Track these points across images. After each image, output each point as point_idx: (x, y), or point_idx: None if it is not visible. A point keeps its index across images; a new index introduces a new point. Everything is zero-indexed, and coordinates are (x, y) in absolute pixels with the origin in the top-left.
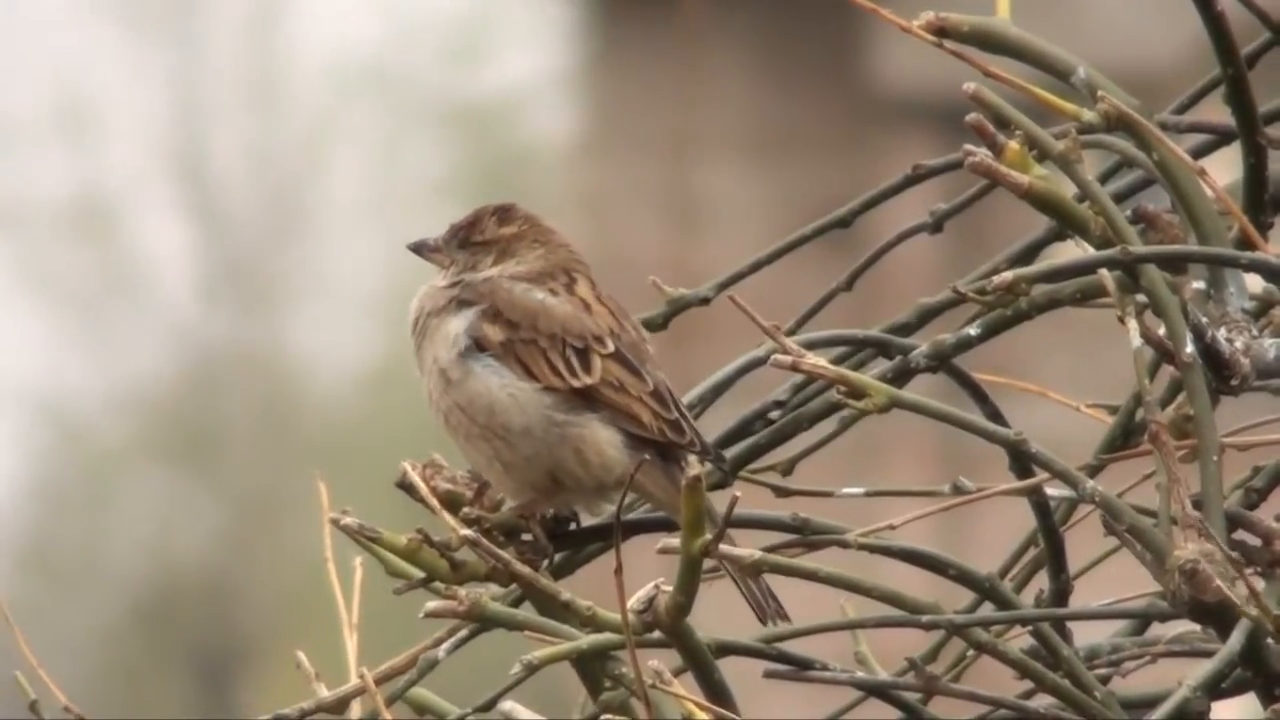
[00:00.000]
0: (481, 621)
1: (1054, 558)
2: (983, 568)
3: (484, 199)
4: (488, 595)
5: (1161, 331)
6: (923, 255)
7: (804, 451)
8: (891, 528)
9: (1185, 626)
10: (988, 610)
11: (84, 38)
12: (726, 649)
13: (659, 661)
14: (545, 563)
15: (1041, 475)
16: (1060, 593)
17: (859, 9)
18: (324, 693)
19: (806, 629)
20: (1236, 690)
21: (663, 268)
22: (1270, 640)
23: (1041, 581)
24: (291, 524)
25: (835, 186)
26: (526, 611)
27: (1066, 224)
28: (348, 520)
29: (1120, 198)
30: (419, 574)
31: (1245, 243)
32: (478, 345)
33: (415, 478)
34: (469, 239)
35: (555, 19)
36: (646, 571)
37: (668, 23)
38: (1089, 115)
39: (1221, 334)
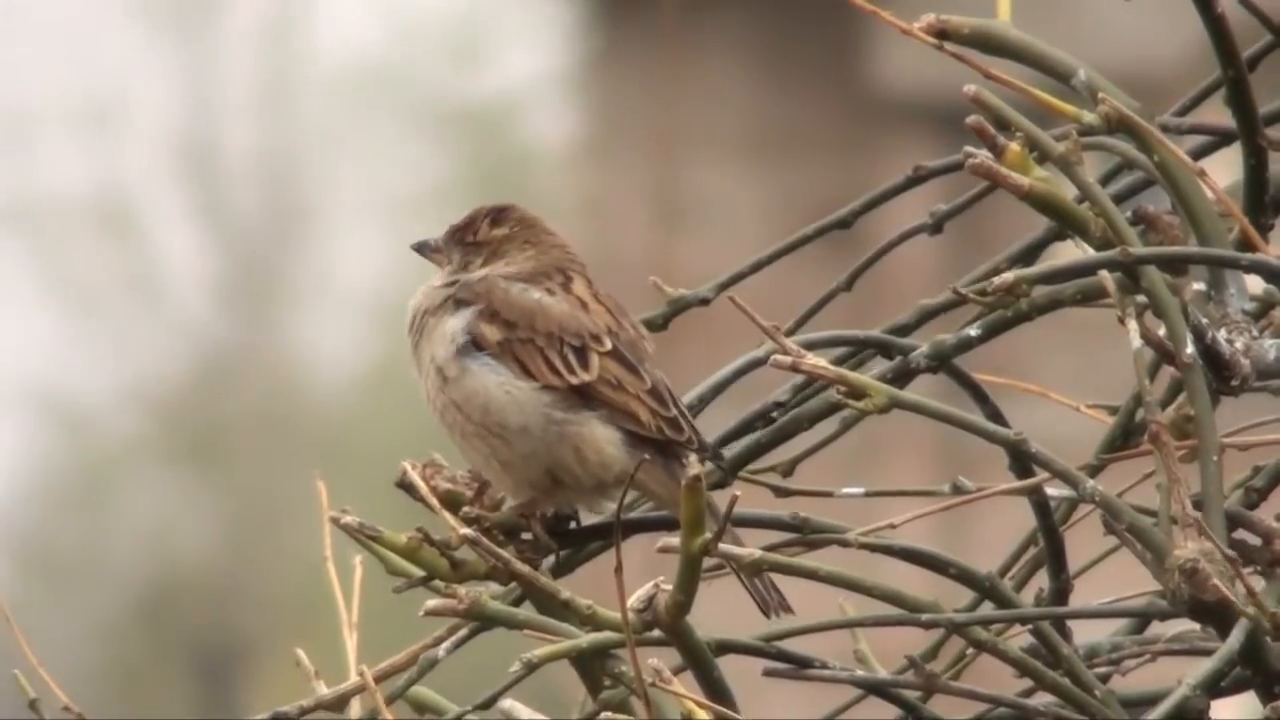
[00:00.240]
0: (481, 620)
1: (1054, 557)
2: (983, 567)
3: (486, 200)
4: (487, 594)
5: (1162, 332)
6: (923, 256)
7: (805, 452)
8: (892, 527)
9: (1185, 625)
10: (988, 609)
11: (99, 36)
12: (726, 647)
13: (659, 660)
14: (550, 559)
15: (1041, 475)
16: (1060, 592)
17: (859, 10)
18: (324, 691)
19: (806, 627)
20: (1236, 689)
21: (662, 268)
22: (1269, 639)
23: (1041, 580)
24: (292, 523)
25: (835, 187)
26: (526, 610)
27: (1067, 225)
28: (347, 519)
29: (1120, 199)
30: (419, 573)
31: (1245, 244)
32: (475, 344)
33: (415, 477)
34: (464, 239)
35: (554, 20)
36: (646, 570)
37: (667, 24)
38: (1089, 117)
39: (1222, 335)
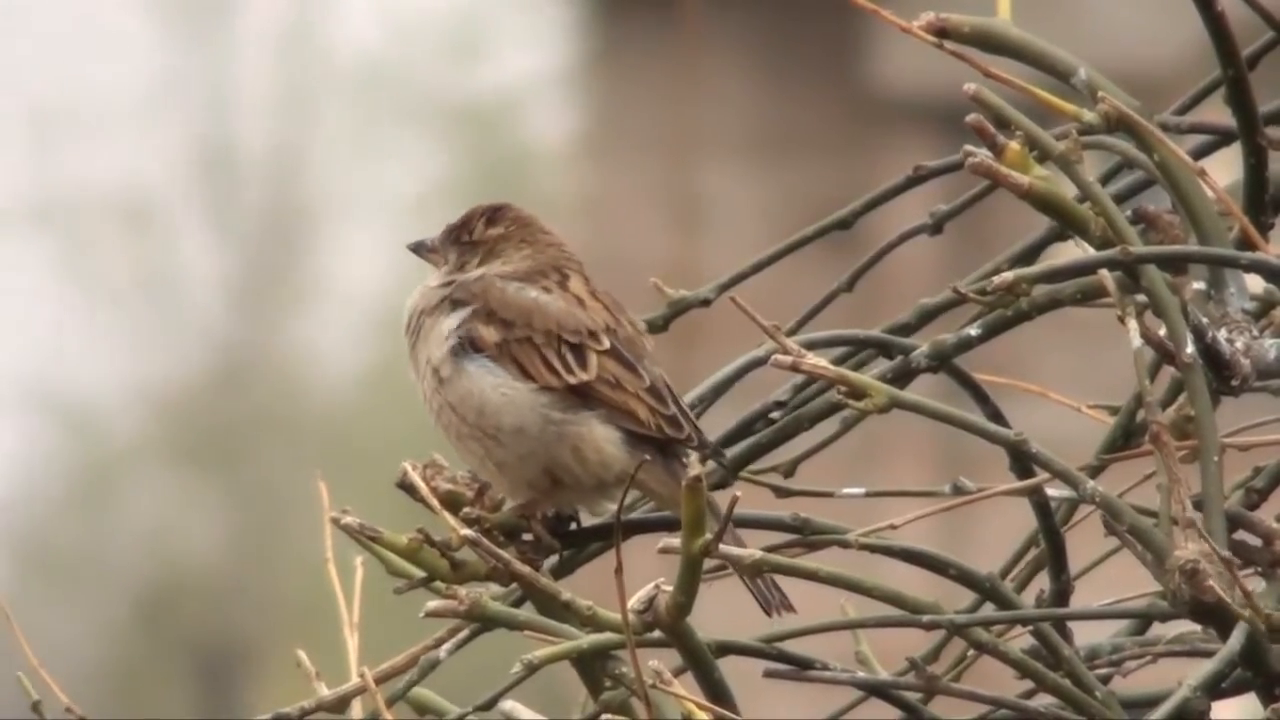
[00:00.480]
0: (482, 621)
1: (1055, 558)
2: (983, 568)
3: (489, 200)
4: (488, 595)
5: (1162, 332)
6: (923, 256)
7: (806, 453)
8: (892, 527)
9: (1185, 626)
10: (988, 610)
11: (107, 35)
12: (727, 649)
13: (659, 661)
14: (553, 559)
15: (1042, 475)
16: (1061, 593)
17: (859, 9)
18: (325, 692)
19: (807, 629)
20: (1236, 690)
21: (663, 268)
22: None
23: (1042, 581)
24: (294, 524)
25: (835, 187)
26: (527, 611)
27: (1067, 224)
28: (348, 520)
29: (1121, 198)
30: (420, 574)
31: (1245, 243)
32: (472, 346)
33: (415, 478)
34: (460, 239)
35: (555, 19)
36: (647, 571)
37: (668, 23)
38: (1089, 116)
39: (1222, 334)
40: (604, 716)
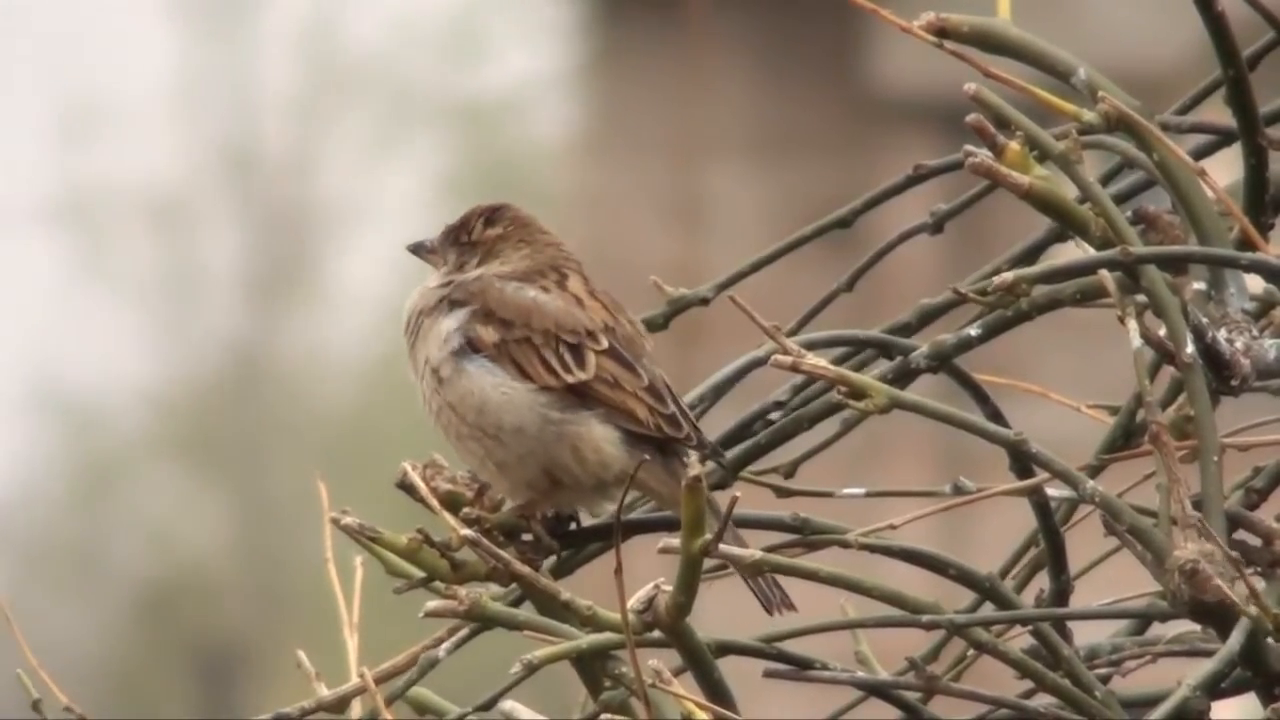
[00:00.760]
0: (481, 621)
1: (1054, 558)
2: (983, 568)
3: (490, 199)
4: (488, 595)
5: (1162, 332)
6: (923, 256)
7: (806, 453)
8: (892, 528)
9: (1185, 626)
10: (988, 610)
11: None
12: (726, 648)
13: (659, 661)
14: (552, 559)
15: (1042, 475)
16: (1060, 593)
17: (859, 9)
18: (324, 692)
19: (807, 629)
20: (1236, 690)
21: (663, 268)
22: (1270, 640)
23: (1042, 581)
24: (294, 525)
25: (836, 187)
26: (526, 611)
27: (1067, 225)
28: (348, 520)
29: (1121, 199)
30: (419, 574)
31: (1246, 243)
32: (471, 346)
33: (415, 478)
34: (458, 239)
35: (555, 19)
36: (647, 571)
37: (668, 23)
38: (1089, 116)
39: (1222, 334)
40: (604, 716)
